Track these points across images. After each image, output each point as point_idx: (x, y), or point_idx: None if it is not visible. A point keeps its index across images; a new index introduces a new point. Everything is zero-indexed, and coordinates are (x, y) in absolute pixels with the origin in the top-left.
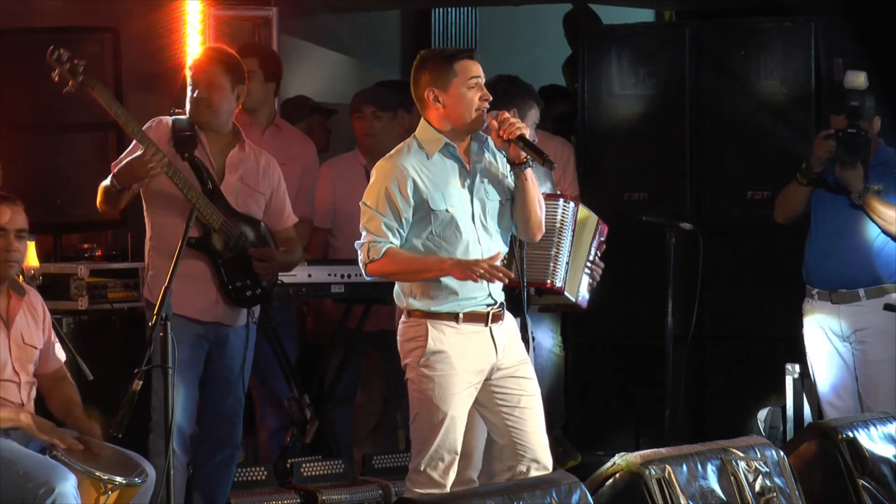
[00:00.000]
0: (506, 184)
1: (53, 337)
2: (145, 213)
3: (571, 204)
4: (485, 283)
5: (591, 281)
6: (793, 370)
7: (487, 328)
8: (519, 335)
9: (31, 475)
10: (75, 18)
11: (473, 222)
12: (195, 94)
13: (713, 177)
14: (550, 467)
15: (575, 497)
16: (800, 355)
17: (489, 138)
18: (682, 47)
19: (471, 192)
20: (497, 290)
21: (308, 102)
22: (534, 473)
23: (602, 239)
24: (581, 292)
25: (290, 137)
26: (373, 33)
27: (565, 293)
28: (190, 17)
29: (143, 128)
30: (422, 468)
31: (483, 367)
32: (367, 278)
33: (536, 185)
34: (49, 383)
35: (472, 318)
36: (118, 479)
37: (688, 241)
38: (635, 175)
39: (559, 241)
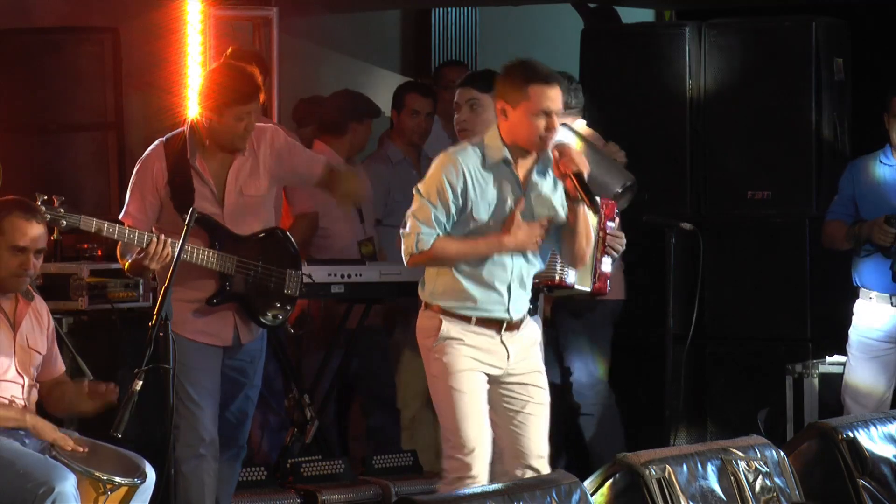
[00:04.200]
0: (556, 211)
1: (56, 344)
2: None
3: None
4: (505, 299)
5: (613, 256)
6: (793, 370)
7: (499, 336)
8: (538, 343)
9: (31, 475)
10: (75, 18)
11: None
12: (249, 127)
13: (713, 177)
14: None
15: (575, 497)
16: (799, 355)
17: None
18: (682, 47)
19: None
20: (517, 310)
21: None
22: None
23: (612, 216)
24: (595, 279)
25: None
26: (373, 33)
27: (576, 287)
28: (190, 17)
29: (137, 168)
30: (449, 453)
31: (492, 362)
32: (376, 275)
33: (587, 221)
34: (47, 387)
35: (484, 323)
36: (118, 479)
37: (688, 241)
38: (635, 175)
39: None
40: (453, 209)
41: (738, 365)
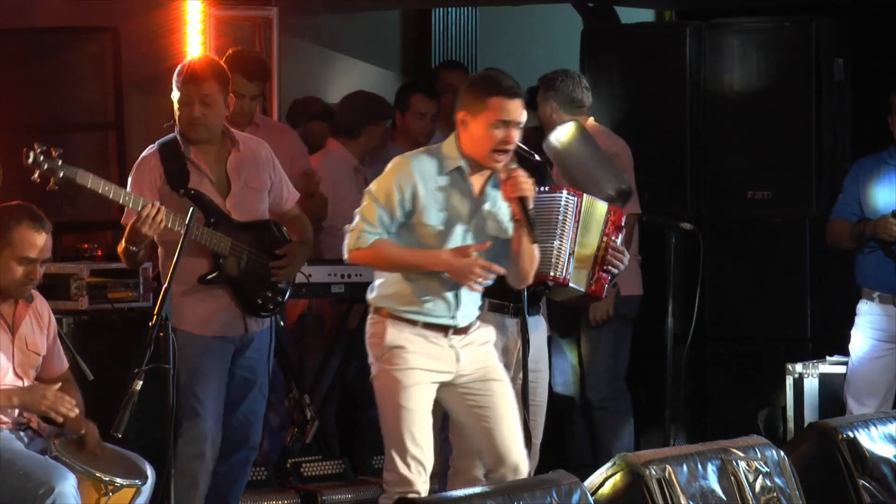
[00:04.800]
0: (506, 227)
1: (58, 343)
2: (157, 241)
3: (574, 197)
4: (453, 306)
5: (610, 269)
6: (793, 370)
7: (446, 339)
8: (491, 342)
9: (31, 475)
10: (75, 18)
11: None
12: (191, 114)
13: (713, 177)
14: (526, 471)
15: (575, 497)
16: (799, 355)
17: None
18: (682, 47)
19: (469, 221)
20: (465, 316)
21: (312, 109)
22: (510, 478)
23: (620, 225)
24: (592, 282)
25: (269, 132)
26: (373, 33)
27: (571, 284)
28: (190, 17)
29: (134, 169)
30: (392, 467)
31: (440, 368)
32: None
33: (530, 244)
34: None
35: (431, 327)
36: (119, 480)
37: (688, 241)
38: (636, 175)
39: (562, 234)
40: (399, 212)
41: (738, 365)
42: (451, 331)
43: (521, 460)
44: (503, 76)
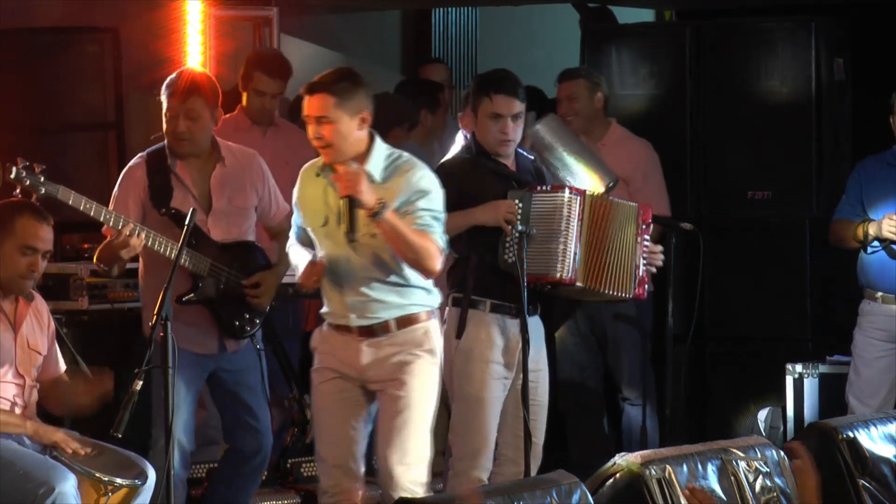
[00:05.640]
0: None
1: (56, 344)
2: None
3: (577, 195)
4: (343, 307)
5: (650, 269)
6: (793, 370)
7: (355, 342)
8: (418, 353)
9: (31, 475)
10: (75, 18)
11: (343, 243)
12: (176, 128)
13: (713, 177)
14: (398, 483)
15: (575, 497)
16: (799, 355)
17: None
18: (682, 47)
19: (345, 217)
20: (359, 316)
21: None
22: (382, 484)
23: (649, 222)
24: (636, 285)
25: (290, 136)
26: (373, 33)
27: (577, 283)
28: (190, 17)
29: (121, 178)
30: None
31: (344, 370)
32: None
33: (399, 230)
34: (47, 387)
35: (338, 328)
36: (119, 480)
37: (688, 241)
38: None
39: (566, 233)
40: (298, 217)
41: (738, 365)
42: (354, 331)
43: (391, 470)
44: (324, 74)
